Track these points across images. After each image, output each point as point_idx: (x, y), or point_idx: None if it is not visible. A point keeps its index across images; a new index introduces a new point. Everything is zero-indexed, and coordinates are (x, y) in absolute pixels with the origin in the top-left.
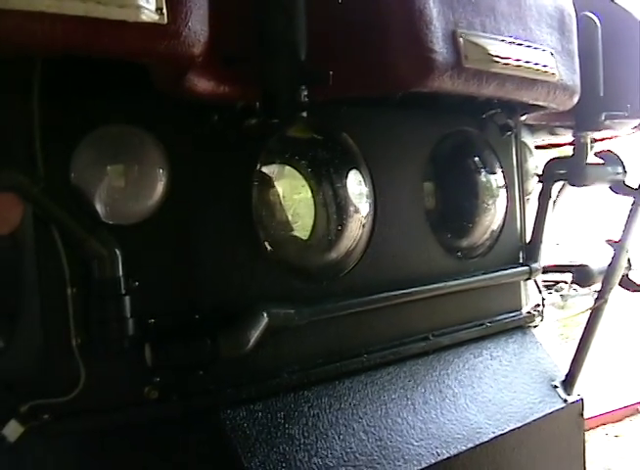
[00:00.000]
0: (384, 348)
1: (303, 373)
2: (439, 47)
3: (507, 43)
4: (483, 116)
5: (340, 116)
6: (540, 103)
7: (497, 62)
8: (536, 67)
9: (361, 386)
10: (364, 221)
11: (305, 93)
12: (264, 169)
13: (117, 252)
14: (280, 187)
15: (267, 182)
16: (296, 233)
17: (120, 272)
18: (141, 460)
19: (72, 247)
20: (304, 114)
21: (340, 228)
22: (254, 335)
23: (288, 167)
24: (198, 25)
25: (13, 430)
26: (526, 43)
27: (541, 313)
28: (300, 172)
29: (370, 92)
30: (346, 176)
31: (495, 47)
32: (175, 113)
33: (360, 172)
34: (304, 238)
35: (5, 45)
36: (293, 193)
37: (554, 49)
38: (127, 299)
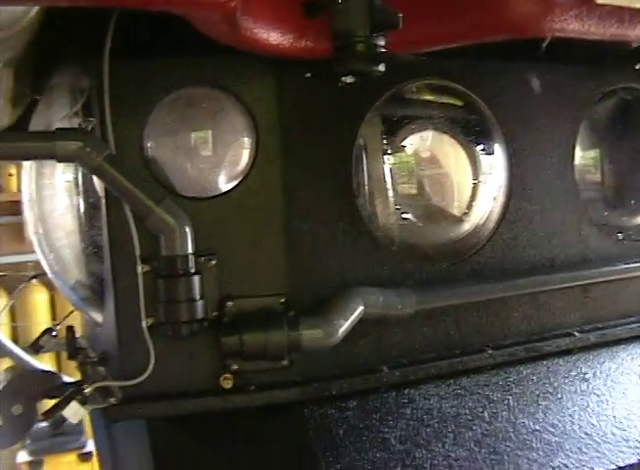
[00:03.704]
0: (515, 343)
1: (410, 369)
2: None
3: None
4: (637, 67)
5: (465, 72)
6: None
7: None
8: None
9: (482, 387)
10: (495, 194)
11: (382, 43)
12: (367, 136)
13: (187, 226)
14: (386, 155)
15: (371, 150)
16: (406, 207)
17: (190, 249)
18: (208, 452)
19: (141, 220)
20: (381, 67)
21: (463, 201)
22: (345, 325)
23: (397, 133)
24: None
25: (74, 412)
26: None
27: None
28: (412, 139)
29: (471, 40)
30: (473, 142)
31: None
32: (260, 73)
33: (492, 138)
34: (418, 213)
35: None
36: (401, 162)
37: None
38: (197, 278)
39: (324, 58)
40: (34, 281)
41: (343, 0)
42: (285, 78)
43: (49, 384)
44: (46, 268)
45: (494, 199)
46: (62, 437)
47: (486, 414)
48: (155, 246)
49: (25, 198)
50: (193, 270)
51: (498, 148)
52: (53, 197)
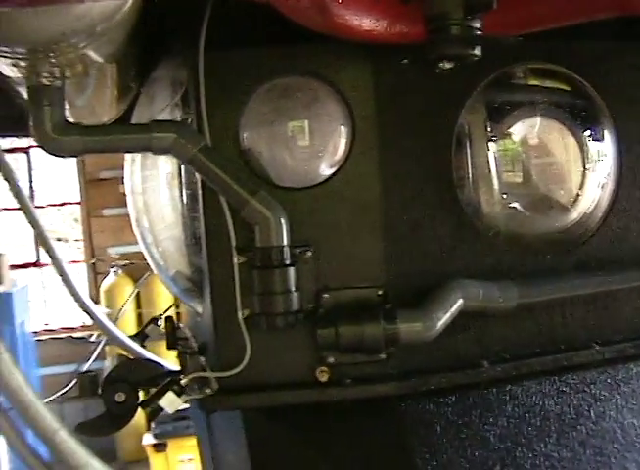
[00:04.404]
0: (624, 339)
1: (512, 364)
2: None
3: None
4: None
5: (571, 55)
6: None
7: None
8: None
9: (588, 384)
10: (603, 182)
11: (478, 25)
12: (469, 122)
13: (282, 217)
14: (490, 142)
15: (474, 137)
16: (511, 196)
17: (285, 240)
18: (302, 444)
19: (237, 211)
20: (477, 51)
21: (570, 190)
22: (443, 318)
23: (500, 120)
24: None
25: (170, 402)
26: None
27: None
28: (516, 125)
29: (576, 19)
30: (580, 128)
31: None
32: (356, 60)
33: (600, 123)
34: (523, 202)
35: None
36: (506, 149)
37: None
38: (292, 270)
39: (420, 43)
40: None
41: None
42: (381, 65)
43: (151, 372)
44: (148, 259)
45: (602, 187)
46: (185, 420)
47: (592, 413)
48: (251, 237)
49: (128, 190)
50: (288, 262)
51: (607, 134)
52: (155, 189)
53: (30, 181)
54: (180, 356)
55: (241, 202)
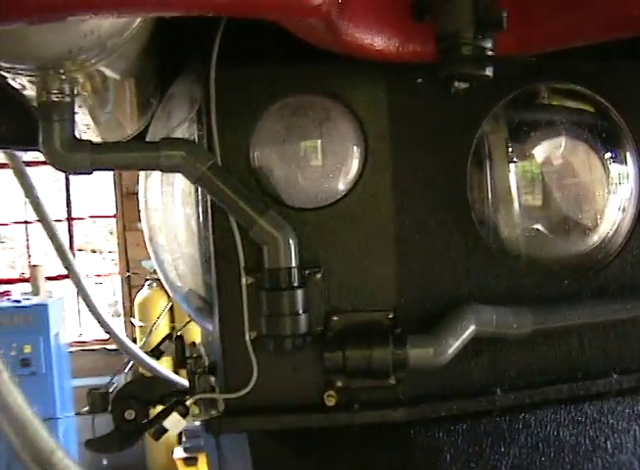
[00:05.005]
0: None
1: (526, 392)
2: None
3: None
4: None
5: (591, 74)
6: None
7: None
8: None
9: (605, 414)
10: (625, 205)
11: (489, 45)
12: (485, 143)
13: (292, 238)
14: (508, 163)
15: (490, 158)
16: (528, 218)
17: (294, 261)
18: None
19: (246, 231)
20: (489, 71)
21: (590, 213)
22: (455, 344)
23: (518, 140)
24: None
25: (174, 423)
26: None
27: None
28: (535, 146)
29: (595, 39)
30: (601, 150)
31: None
32: (369, 79)
33: (621, 145)
34: (541, 224)
35: None
36: (524, 170)
37: None
38: (301, 292)
39: (434, 62)
40: None
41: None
42: (395, 84)
43: (162, 391)
44: (161, 277)
45: (623, 210)
46: None
47: (609, 445)
48: (260, 257)
49: (142, 205)
50: (296, 283)
51: (629, 156)
52: (169, 205)
53: (67, 193)
54: (189, 376)
55: (249, 221)
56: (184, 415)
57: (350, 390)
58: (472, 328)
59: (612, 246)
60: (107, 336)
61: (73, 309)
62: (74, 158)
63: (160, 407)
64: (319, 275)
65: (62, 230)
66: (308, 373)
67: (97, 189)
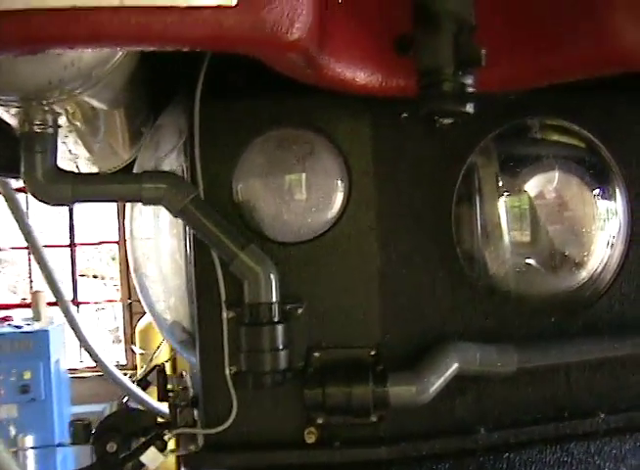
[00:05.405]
0: (632, 407)
1: (511, 431)
2: None
3: None
4: None
5: (577, 109)
6: None
7: None
8: None
9: (592, 455)
10: (613, 241)
11: (469, 81)
12: (472, 178)
13: (272, 273)
14: (494, 199)
15: (477, 193)
16: (515, 255)
17: (274, 296)
18: None
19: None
20: (469, 108)
21: (577, 250)
22: (437, 383)
23: (505, 176)
24: (287, 7)
25: (152, 458)
26: None
27: None
28: (520, 181)
29: (574, 76)
30: (589, 185)
31: None
32: (354, 112)
33: (609, 181)
34: (528, 261)
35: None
36: (511, 206)
37: None
38: (281, 327)
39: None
40: None
41: (429, 34)
42: (380, 118)
43: (145, 423)
44: (145, 307)
45: (612, 246)
46: None
47: None
48: (241, 292)
49: (127, 235)
50: (277, 319)
51: (617, 191)
52: (155, 236)
53: (71, 218)
54: (170, 409)
55: (230, 255)
56: (162, 450)
57: (331, 427)
58: (455, 366)
59: (600, 282)
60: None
61: (74, 336)
62: (55, 189)
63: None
64: (301, 310)
65: (64, 256)
66: (289, 409)
67: (100, 215)
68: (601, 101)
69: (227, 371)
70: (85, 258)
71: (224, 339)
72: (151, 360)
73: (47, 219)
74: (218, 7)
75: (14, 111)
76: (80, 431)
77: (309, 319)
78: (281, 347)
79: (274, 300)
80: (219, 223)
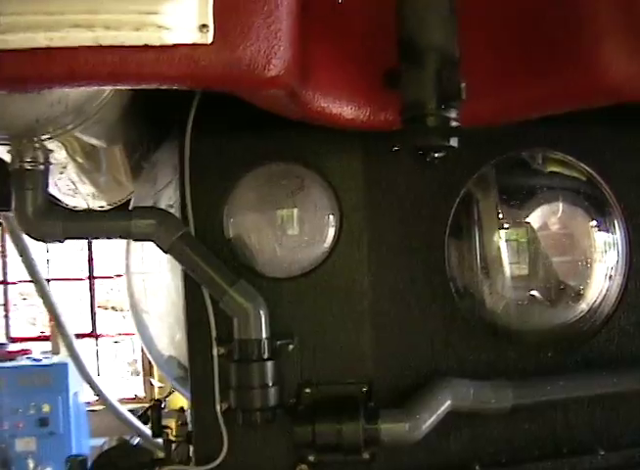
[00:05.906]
0: (633, 444)
1: (507, 469)
2: None
3: None
4: None
5: (573, 140)
6: None
7: None
8: None
9: None
10: (611, 273)
11: (453, 115)
12: (465, 212)
13: (262, 309)
14: (489, 233)
15: (470, 228)
16: (510, 289)
17: (264, 332)
18: None
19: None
20: (454, 142)
21: (574, 284)
22: (429, 419)
23: (494, 210)
24: (264, 44)
25: None
26: None
27: None
28: (517, 214)
29: (562, 108)
30: (586, 217)
31: None
32: (344, 147)
33: (608, 213)
34: (524, 295)
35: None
36: (507, 239)
37: None
38: (271, 364)
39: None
40: None
41: (414, 69)
42: (371, 152)
43: (142, 458)
44: (142, 343)
45: (610, 278)
46: None
47: None
48: (232, 328)
49: (124, 270)
50: (267, 355)
51: (615, 223)
52: (150, 272)
53: (90, 251)
54: (165, 445)
55: (219, 292)
56: None
57: (323, 464)
58: (447, 403)
59: (598, 316)
60: (125, 396)
61: (92, 368)
62: (46, 225)
63: None
64: (292, 346)
65: (83, 288)
66: (280, 446)
67: (118, 246)
68: (598, 132)
69: (218, 408)
70: (104, 290)
71: (215, 375)
72: (169, 394)
73: (66, 252)
74: (194, 45)
75: (5, 148)
76: (76, 466)
77: (300, 355)
78: (270, 383)
79: (264, 336)
80: (208, 259)
